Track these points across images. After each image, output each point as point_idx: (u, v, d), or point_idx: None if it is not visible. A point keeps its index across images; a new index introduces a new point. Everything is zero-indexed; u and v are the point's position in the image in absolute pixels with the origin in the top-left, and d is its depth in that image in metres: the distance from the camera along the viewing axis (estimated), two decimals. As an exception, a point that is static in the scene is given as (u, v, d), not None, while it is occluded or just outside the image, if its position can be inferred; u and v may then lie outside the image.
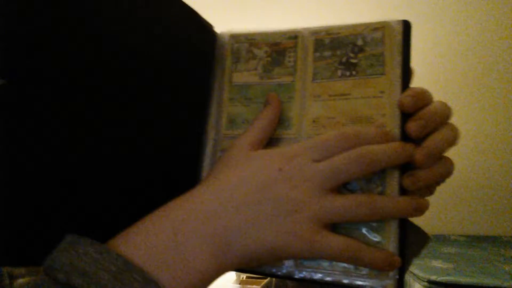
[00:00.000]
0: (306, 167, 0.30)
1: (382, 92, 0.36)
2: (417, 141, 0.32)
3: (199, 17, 0.38)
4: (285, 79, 0.38)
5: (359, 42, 0.38)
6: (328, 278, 0.32)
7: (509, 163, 3.06)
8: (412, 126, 0.32)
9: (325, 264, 0.32)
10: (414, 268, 2.09)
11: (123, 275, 0.23)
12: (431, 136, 0.32)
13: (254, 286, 2.57)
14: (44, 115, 0.28)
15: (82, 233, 0.26)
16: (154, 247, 0.26)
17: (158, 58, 0.34)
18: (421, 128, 0.32)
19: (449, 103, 0.36)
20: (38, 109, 0.28)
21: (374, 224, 0.32)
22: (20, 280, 0.28)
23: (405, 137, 0.33)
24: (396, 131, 0.33)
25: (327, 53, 0.38)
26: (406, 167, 0.32)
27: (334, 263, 0.32)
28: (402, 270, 0.31)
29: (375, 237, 0.32)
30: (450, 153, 0.37)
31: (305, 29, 0.39)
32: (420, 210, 0.31)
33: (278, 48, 0.39)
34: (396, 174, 0.33)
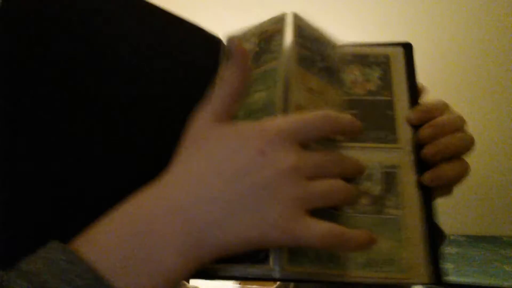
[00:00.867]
0: (291, 153, 0.27)
1: None
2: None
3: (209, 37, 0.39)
4: (270, 64, 0.38)
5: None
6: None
7: (509, 163, 3.07)
8: (425, 133, 0.36)
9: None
10: (414, 268, 2.09)
11: None
12: (442, 138, 0.36)
13: (254, 286, 2.55)
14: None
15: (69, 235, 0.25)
16: (117, 251, 0.24)
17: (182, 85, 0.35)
18: (432, 133, 0.36)
19: (448, 102, 0.41)
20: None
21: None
22: None
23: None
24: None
25: (309, 44, 0.39)
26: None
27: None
28: (436, 258, 0.35)
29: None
30: None
31: (292, 13, 0.40)
32: None
33: (265, 36, 0.40)
34: (412, 178, 0.37)
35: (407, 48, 0.43)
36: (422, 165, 0.37)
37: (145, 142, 0.33)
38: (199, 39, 0.38)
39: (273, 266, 0.29)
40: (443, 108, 0.38)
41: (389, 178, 0.38)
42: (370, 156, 0.39)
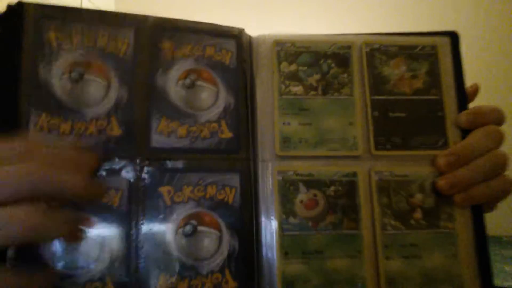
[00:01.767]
0: None
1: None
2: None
3: None
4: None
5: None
6: None
7: (510, 163, 3.00)
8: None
9: None
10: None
11: None
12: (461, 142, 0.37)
13: None
14: None
15: None
16: None
17: None
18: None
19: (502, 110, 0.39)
20: None
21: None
22: None
23: None
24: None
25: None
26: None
27: None
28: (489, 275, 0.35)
29: None
30: None
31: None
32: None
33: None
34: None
35: (454, 37, 0.40)
36: None
37: None
38: None
39: None
40: (497, 115, 0.37)
41: None
42: (420, 164, 0.37)
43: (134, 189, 0.33)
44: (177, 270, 0.32)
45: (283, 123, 0.37)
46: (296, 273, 0.34)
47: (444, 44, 0.40)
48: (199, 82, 0.36)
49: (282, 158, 0.36)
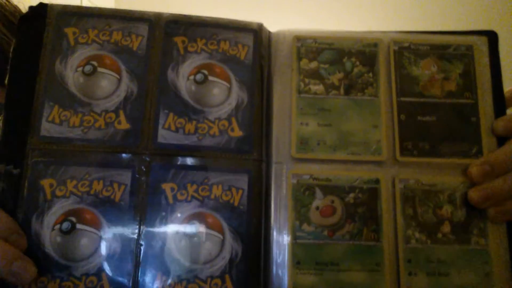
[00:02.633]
0: None
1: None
2: None
3: None
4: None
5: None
6: None
7: None
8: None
9: None
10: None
11: None
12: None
13: None
14: None
15: None
16: None
17: None
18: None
19: None
20: None
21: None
22: None
23: None
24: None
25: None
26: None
27: None
28: None
29: None
30: None
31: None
32: None
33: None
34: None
35: (492, 37, 0.37)
36: None
37: None
38: None
39: None
40: None
41: None
42: (450, 173, 0.34)
43: (137, 184, 0.32)
44: (174, 272, 0.31)
45: (301, 124, 0.35)
46: (308, 285, 0.32)
47: (481, 44, 0.37)
48: (211, 78, 0.35)
49: (298, 160, 0.34)
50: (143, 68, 0.35)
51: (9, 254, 0.28)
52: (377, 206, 0.33)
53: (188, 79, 0.35)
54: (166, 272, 0.31)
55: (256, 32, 0.37)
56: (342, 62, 0.36)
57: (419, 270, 0.32)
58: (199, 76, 0.35)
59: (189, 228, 0.32)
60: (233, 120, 0.34)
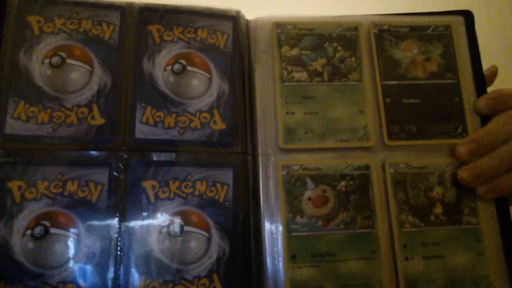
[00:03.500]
0: None
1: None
2: None
3: None
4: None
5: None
6: None
7: None
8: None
9: None
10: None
11: None
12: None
13: None
14: None
15: None
16: None
17: None
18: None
19: None
20: None
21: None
22: None
23: None
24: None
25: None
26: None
27: None
28: None
29: None
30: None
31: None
32: None
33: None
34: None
35: (468, 17, 0.38)
36: None
37: None
38: None
39: None
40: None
41: None
42: (439, 154, 0.35)
43: (115, 183, 0.31)
44: (159, 274, 0.30)
45: (286, 113, 0.34)
46: (306, 278, 0.31)
47: (458, 24, 0.37)
48: (189, 68, 0.33)
49: (286, 151, 0.34)
50: (117, 59, 0.33)
51: None
52: (369, 193, 0.33)
53: (165, 69, 0.33)
54: (150, 275, 0.30)
55: (235, 19, 0.36)
56: (324, 48, 0.36)
57: (415, 254, 0.32)
58: (177, 66, 0.33)
59: (172, 228, 0.30)
60: (215, 112, 0.33)
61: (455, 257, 0.32)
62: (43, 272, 0.29)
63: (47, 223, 0.29)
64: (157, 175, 0.31)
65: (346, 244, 0.32)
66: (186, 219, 0.31)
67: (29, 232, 0.29)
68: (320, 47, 0.36)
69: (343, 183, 0.33)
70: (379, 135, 0.35)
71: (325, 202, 0.33)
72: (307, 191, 0.33)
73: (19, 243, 0.29)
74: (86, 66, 0.32)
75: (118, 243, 0.30)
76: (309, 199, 0.33)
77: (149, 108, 0.32)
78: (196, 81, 0.33)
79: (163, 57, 0.33)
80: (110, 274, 0.29)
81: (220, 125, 0.33)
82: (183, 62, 0.33)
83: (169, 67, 0.33)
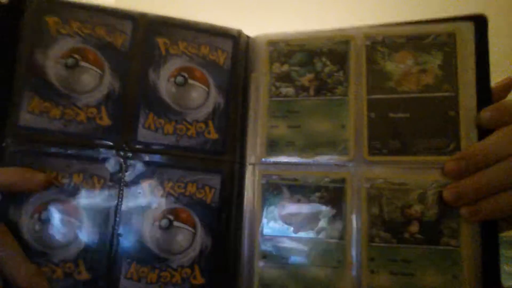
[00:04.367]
0: None
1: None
2: None
3: None
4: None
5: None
6: None
7: None
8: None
9: None
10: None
11: None
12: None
13: None
14: None
15: None
16: None
17: None
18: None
19: None
20: None
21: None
22: None
23: None
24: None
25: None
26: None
27: None
28: None
29: None
30: None
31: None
32: None
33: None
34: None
35: (480, 22, 0.35)
36: None
37: None
38: None
39: None
40: None
41: None
42: (424, 171, 0.34)
43: (116, 178, 0.35)
44: (148, 261, 0.35)
45: (271, 126, 0.38)
46: (274, 278, 0.35)
47: (466, 31, 0.35)
48: (190, 81, 0.38)
49: (268, 162, 0.38)
50: (126, 67, 0.36)
51: None
52: (341, 205, 0.35)
53: (168, 80, 0.37)
54: (140, 261, 0.35)
55: (235, 38, 0.40)
56: (313, 63, 0.38)
57: (382, 269, 0.33)
58: (179, 79, 0.37)
59: (163, 222, 0.35)
60: (210, 123, 0.38)
61: (426, 277, 0.32)
62: (47, 251, 0.33)
63: (53, 209, 0.34)
64: (154, 175, 0.36)
65: (313, 251, 0.35)
66: (176, 216, 0.36)
67: (36, 216, 0.33)
68: (309, 62, 0.38)
69: (317, 194, 0.36)
70: (359, 150, 0.35)
71: (297, 211, 0.36)
72: (283, 199, 0.37)
73: (27, 225, 0.33)
74: (98, 70, 0.36)
75: (114, 232, 0.34)
76: (284, 207, 0.37)
77: (151, 114, 0.36)
78: (196, 93, 0.38)
79: (167, 69, 0.37)
80: (106, 257, 0.34)
81: (213, 135, 0.38)
82: (185, 75, 0.38)
83: (172, 79, 0.37)
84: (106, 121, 0.35)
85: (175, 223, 0.36)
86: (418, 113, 0.35)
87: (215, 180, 0.37)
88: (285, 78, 0.38)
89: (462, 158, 0.32)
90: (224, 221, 0.37)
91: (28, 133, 0.34)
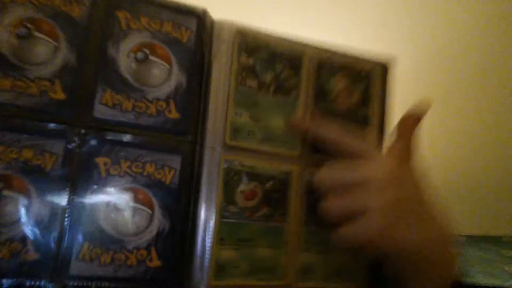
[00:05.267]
0: None
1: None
2: None
3: None
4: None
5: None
6: None
7: (509, 163, 3.14)
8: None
9: None
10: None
11: None
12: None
13: None
14: None
15: None
16: None
17: None
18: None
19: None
20: None
21: None
22: None
23: None
24: None
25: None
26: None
27: None
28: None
29: None
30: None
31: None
32: None
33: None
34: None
35: (384, 68, 0.46)
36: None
37: None
38: None
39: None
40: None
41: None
42: None
43: (69, 155, 0.34)
44: (102, 242, 0.34)
45: (236, 114, 0.39)
46: (228, 258, 0.37)
47: (378, 70, 0.46)
48: (152, 58, 0.37)
49: (231, 147, 0.39)
50: (83, 39, 0.35)
51: None
52: (287, 194, 0.40)
53: (128, 56, 0.36)
54: (93, 242, 0.34)
55: (200, 17, 0.39)
56: (274, 63, 0.41)
57: (313, 248, 0.41)
58: (140, 55, 0.37)
59: (119, 202, 0.34)
60: (171, 102, 0.37)
61: (336, 253, 0.42)
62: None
63: (1, 185, 0.32)
64: (110, 153, 0.35)
65: (263, 234, 0.39)
66: (133, 196, 0.35)
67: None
68: (271, 62, 0.41)
69: (270, 182, 0.40)
70: (304, 148, 0.42)
71: (253, 197, 0.39)
72: (241, 185, 0.39)
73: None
74: (52, 41, 0.34)
75: (67, 210, 0.33)
76: (242, 192, 0.39)
77: (109, 90, 0.35)
78: (157, 70, 0.37)
79: (128, 44, 0.36)
80: (56, 237, 0.33)
81: (174, 114, 0.37)
82: (146, 51, 0.37)
83: (132, 54, 0.36)
84: (60, 95, 0.34)
85: (132, 204, 0.35)
86: (345, 125, 0.42)
87: (175, 161, 0.36)
88: (251, 70, 0.40)
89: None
90: (183, 203, 0.36)
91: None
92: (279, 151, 0.41)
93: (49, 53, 0.34)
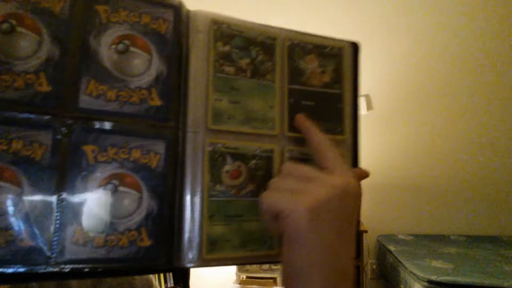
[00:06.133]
0: None
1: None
2: None
3: None
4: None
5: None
6: None
7: (509, 163, 3.24)
8: None
9: None
10: (414, 268, 2.21)
11: None
12: None
13: (254, 286, 2.69)
14: None
15: None
16: None
17: None
18: None
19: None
20: None
21: None
22: None
23: None
24: None
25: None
26: None
27: None
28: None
29: None
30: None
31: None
32: None
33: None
34: None
35: (356, 46, 0.49)
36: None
37: None
38: None
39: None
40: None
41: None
42: None
43: (58, 145, 0.36)
44: (94, 226, 0.36)
45: (216, 99, 0.42)
46: (219, 234, 0.40)
47: (348, 48, 0.49)
48: (132, 48, 0.39)
49: (213, 131, 0.41)
50: (66, 33, 0.37)
51: None
52: (271, 171, 0.44)
53: (110, 48, 0.38)
54: (86, 226, 0.36)
55: (177, 8, 0.41)
56: (249, 49, 0.44)
57: None
58: (121, 46, 0.39)
59: (109, 186, 0.37)
60: (153, 90, 0.39)
61: None
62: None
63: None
64: (97, 141, 0.37)
65: (250, 209, 0.42)
66: (121, 180, 0.37)
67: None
68: (246, 48, 0.44)
69: (253, 161, 0.43)
70: (282, 127, 0.45)
71: (239, 175, 0.42)
72: (226, 165, 0.42)
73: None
74: (35, 35, 0.36)
75: (59, 198, 0.35)
76: (227, 172, 0.42)
77: (93, 81, 0.37)
78: (138, 60, 0.39)
79: (108, 36, 0.38)
80: (49, 224, 0.35)
81: (156, 102, 0.39)
82: (127, 42, 0.39)
83: (113, 46, 0.38)
84: (45, 87, 0.36)
85: (120, 188, 0.37)
86: (320, 103, 0.46)
87: (159, 146, 0.39)
88: (227, 57, 0.43)
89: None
90: (169, 185, 0.39)
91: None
92: (259, 131, 0.44)
93: (33, 47, 0.36)
